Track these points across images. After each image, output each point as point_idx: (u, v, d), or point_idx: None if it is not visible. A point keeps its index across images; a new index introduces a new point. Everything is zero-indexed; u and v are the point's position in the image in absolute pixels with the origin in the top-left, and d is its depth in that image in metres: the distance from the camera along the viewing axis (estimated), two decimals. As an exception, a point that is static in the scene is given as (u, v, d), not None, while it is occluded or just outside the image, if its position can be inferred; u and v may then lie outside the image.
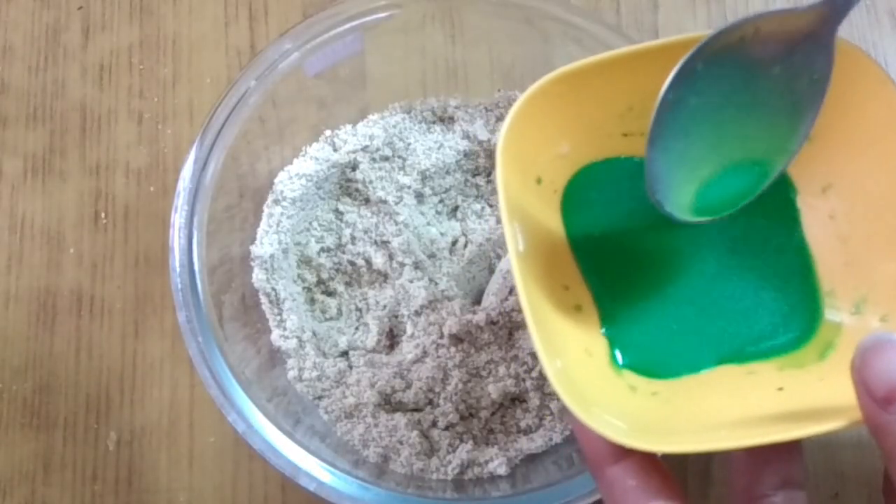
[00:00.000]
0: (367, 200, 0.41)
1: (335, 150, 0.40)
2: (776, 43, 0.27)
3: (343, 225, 0.41)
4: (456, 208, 0.42)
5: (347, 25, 0.38)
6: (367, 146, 0.40)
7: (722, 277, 0.32)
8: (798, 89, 0.28)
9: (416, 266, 0.40)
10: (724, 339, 0.31)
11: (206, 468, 0.40)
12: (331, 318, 0.40)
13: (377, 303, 0.40)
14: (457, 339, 0.38)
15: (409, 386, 0.37)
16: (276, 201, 0.39)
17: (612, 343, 0.31)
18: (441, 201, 0.42)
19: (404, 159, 0.41)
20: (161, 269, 0.43)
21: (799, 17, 0.26)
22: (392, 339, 0.40)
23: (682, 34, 0.28)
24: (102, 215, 0.44)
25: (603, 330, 0.31)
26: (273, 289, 0.39)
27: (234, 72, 0.45)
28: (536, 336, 0.26)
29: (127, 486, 0.40)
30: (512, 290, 0.38)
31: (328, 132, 0.41)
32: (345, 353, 0.40)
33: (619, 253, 0.32)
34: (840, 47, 0.27)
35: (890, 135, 0.28)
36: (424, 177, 0.40)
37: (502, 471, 0.36)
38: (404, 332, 0.39)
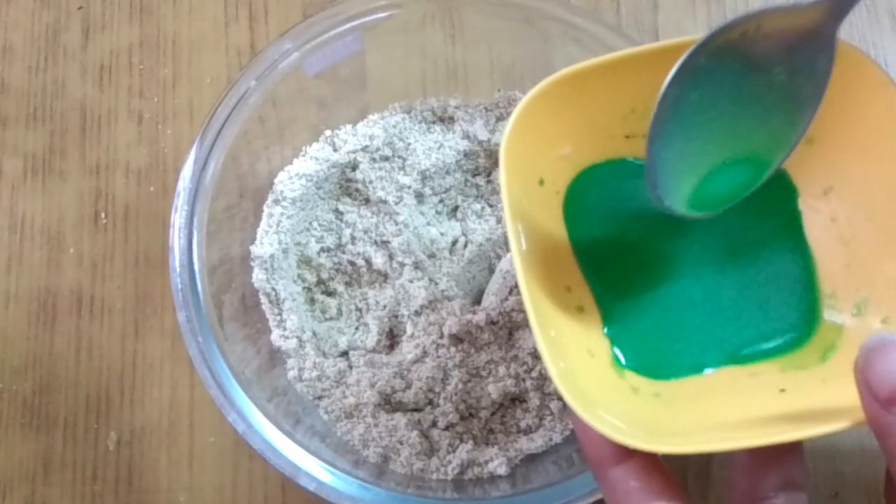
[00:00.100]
0: (367, 200, 0.41)
1: (335, 150, 0.40)
2: (778, 39, 0.27)
3: (343, 225, 0.41)
4: (456, 208, 0.42)
5: (347, 25, 0.38)
6: (367, 146, 0.40)
7: (723, 279, 0.32)
8: (798, 86, 0.28)
9: (416, 266, 0.40)
10: (726, 340, 0.31)
11: (206, 468, 0.40)
12: (331, 318, 0.40)
13: (377, 303, 0.40)
14: (457, 339, 0.38)
15: (409, 386, 0.37)
16: (276, 201, 0.39)
17: (614, 344, 0.31)
18: (441, 201, 0.42)
19: (404, 159, 0.41)
20: (161, 269, 0.43)
21: (802, 14, 0.26)
22: (392, 339, 0.40)
23: (684, 35, 0.28)
24: (102, 215, 0.44)
25: (605, 331, 0.31)
26: (273, 289, 0.39)
27: (234, 72, 0.45)
28: (540, 337, 0.26)
29: (127, 486, 0.40)
30: (512, 290, 0.38)
31: (328, 132, 0.41)
32: (345, 353, 0.40)
33: (621, 254, 0.32)
34: (841, 49, 0.27)
35: (891, 137, 0.28)
36: (424, 177, 0.40)
37: (502, 471, 0.36)
38: (404, 332, 0.39)
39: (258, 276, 0.39)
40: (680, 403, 0.29)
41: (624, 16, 0.46)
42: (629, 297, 0.31)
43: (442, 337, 0.38)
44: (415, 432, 0.36)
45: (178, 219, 0.35)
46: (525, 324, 0.37)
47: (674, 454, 0.25)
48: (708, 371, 0.30)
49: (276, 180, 0.40)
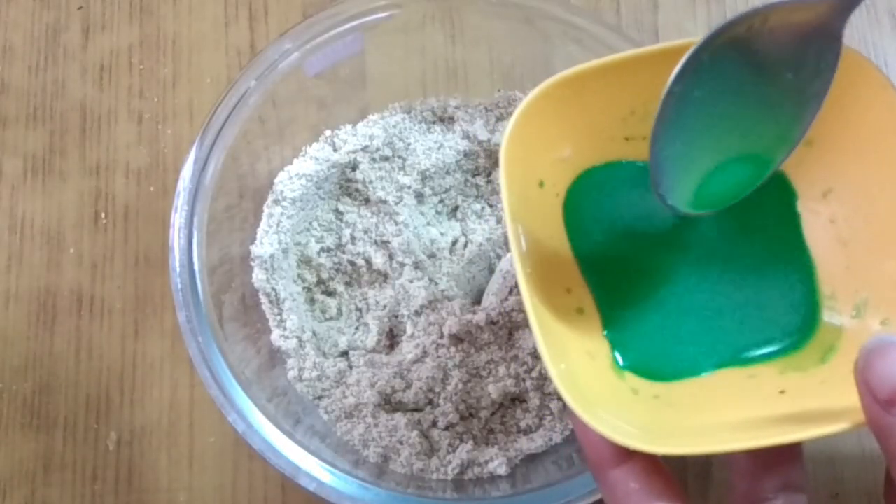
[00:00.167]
0: (367, 200, 0.41)
1: (335, 150, 0.40)
2: (784, 35, 0.27)
3: (343, 225, 0.41)
4: (456, 208, 0.42)
5: (347, 25, 0.38)
6: (367, 146, 0.40)
7: (723, 281, 0.32)
8: (802, 82, 0.28)
9: (416, 266, 0.40)
10: (726, 342, 0.31)
11: (206, 468, 0.40)
12: (331, 318, 0.40)
13: (377, 303, 0.40)
14: (457, 339, 0.38)
15: (409, 386, 0.37)
16: (276, 201, 0.39)
17: (614, 346, 0.31)
18: (441, 201, 0.42)
19: (404, 159, 0.41)
20: (161, 269, 0.43)
21: (809, 8, 0.26)
22: (392, 339, 0.40)
23: (684, 35, 0.28)
24: (102, 215, 0.44)
25: (605, 333, 0.31)
26: (273, 289, 0.39)
27: (234, 72, 0.45)
28: (540, 339, 0.26)
29: (127, 486, 0.40)
30: (512, 291, 0.38)
31: (328, 132, 0.41)
32: (345, 353, 0.40)
33: (621, 256, 0.32)
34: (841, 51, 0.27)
35: (890, 139, 0.28)
36: (424, 177, 0.40)
37: (502, 471, 0.36)
38: (404, 332, 0.39)
39: (258, 276, 0.39)
40: (680, 405, 0.29)
41: (624, 16, 0.46)
42: (629, 299, 0.31)
43: (442, 337, 0.38)
44: (415, 432, 0.36)
45: (178, 219, 0.35)
46: (525, 324, 0.37)
47: (673, 455, 0.25)
48: (707, 373, 0.30)
49: (276, 180, 0.40)
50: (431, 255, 0.40)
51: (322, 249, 0.41)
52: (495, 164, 0.42)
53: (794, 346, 0.30)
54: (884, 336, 0.24)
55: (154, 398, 0.41)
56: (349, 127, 0.41)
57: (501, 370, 0.37)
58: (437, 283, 0.40)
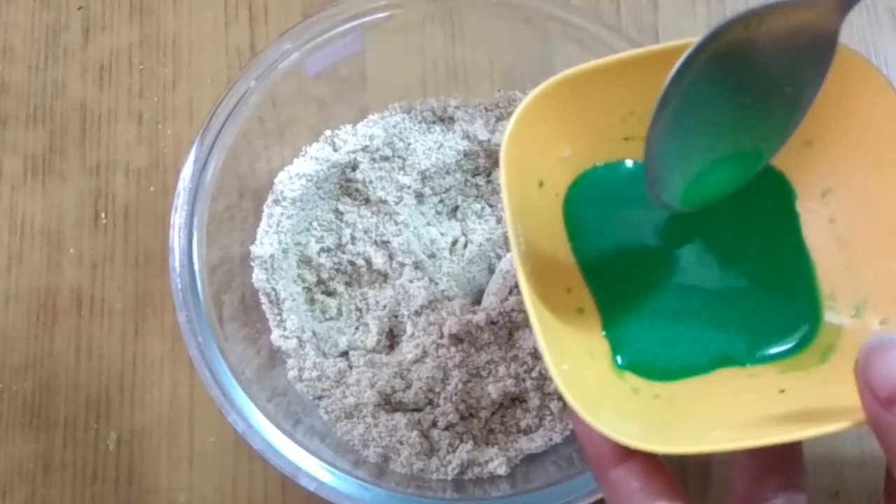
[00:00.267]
0: (367, 200, 0.41)
1: (335, 150, 0.40)
2: (781, 33, 0.27)
3: (343, 225, 0.41)
4: (456, 208, 0.42)
5: (347, 25, 0.38)
6: (367, 146, 0.40)
7: (723, 281, 0.32)
8: (797, 80, 0.28)
9: (416, 266, 0.40)
10: (726, 341, 0.31)
11: (206, 468, 0.40)
12: (331, 318, 0.40)
13: (377, 303, 0.40)
14: (457, 339, 0.38)
15: (409, 386, 0.37)
16: (276, 201, 0.39)
17: (614, 345, 0.31)
18: (441, 201, 0.42)
19: (404, 159, 0.41)
20: (161, 269, 0.43)
21: (807, 8, 0.26)
22: (392, 339, 0.40)
23: (684, 35, 0.28)
24: (102, 215, 0.44)
25: (605, 333, 0.31)
26: (273, 289, 0.39)
27: (234, 72, 0.45)
28: (542, 339, 0.26)
29: (127, 486, 0.40)
30: (512, 291, 0.38)
31: (328, 132, 0.41)
32: (345, 353, 0.40)
33: (621, 256, 0.32)
34: (839, 52, 0.27)
35: (889, 139, 0.28)
36: (424, 177, 0.40)
37: (502, 471, 0.36)
38: (404, 332, 0.39)
39: (258, 276, 0.39)
40: (680, 404, 0.29)
41: (624, 16, 0.46)
42: (629, 299, 0.31)
43: (442, 337, 0.38)
44: (415, 432, 0.36)
45: (178, 219, 0.35)
46: (525, 324, 0.37)
47: (674, 455, 0.25)
48: (708, 372, 0.30)
49: (276, 180, 0.40)
50: (431, 255, 0.40)
51: (322, 249, 0.41)
52: (495, 164, 0.42)
53: (793, 346, 0.30)
54: (883, 335, 0.24)
55: (154, 398, 0.41)
56: (349, 127, 0.41)
57: (501, 370, 0.37)
58: (437, 283, 0.40)
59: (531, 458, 0.37)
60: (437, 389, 0.37)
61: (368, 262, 0.40)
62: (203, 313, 0.35)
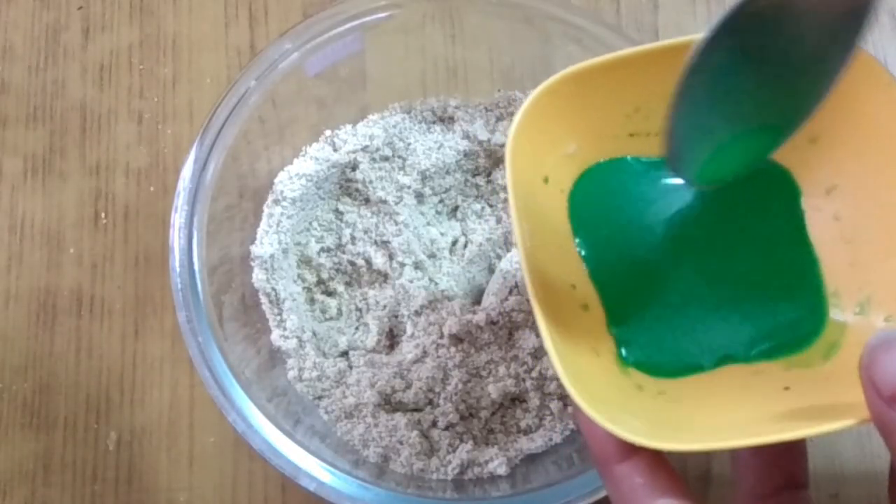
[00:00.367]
0: (367, 200, 0.41)
1: (335, 150, 0.40)
2: (813, 4, 0.26)
3: (343, 225, 0.41)
4: (456, 208, 0.42)
5: (347, 25, 0.38)
6: (367, 146, 0.40)
7: (728, 277, 0.32)
8: (827, 48, 0.27)
9: (416, 266, 0.40)
10: (730, 338, 0.31)
11: (206, 468, 0.40)
12: (331, 318, 0.40)
13: (377, 303, 0.40)
14: (457, 339, 0.38)
15: (409, 386, 0.37)
16: (276, 201, 0.39)
17: (619, 342, 0.31)
18: (441, 201, 0.42)
19: (404, 159, 0.41)
20: (161, 269, 0.43)
21: None
22: (392, 339, 0.40)
23: (686, 34, 0.28)
24: (102, 215, 0.44)
25: (609, 329, 0.31)
26: (273, 289, 0.39)
27: (234, 72, 0.45)
28: (547, 335, 0.26)
29: (127, 486, 0.40)
30: (512, 290, 0.38)
31: (328, 132, 0.41)
32: (345, 353, 0.40)
33: (626, 253, 0.32)
34: None
35: (894, 136, 0.28)
36: (424, 177, 0.40)
37: (502, 471, 0.36)
38: (404, 332, 0.39)
39: (258, 276, 0.39)
40: (684, 401, 0.29)
41: (624, 16, 0.46)
42: (634, 296, 0.31)
43: (442, 337, 0.38)
44: (415, 432, 0.36)
45: (178, 219, 0.35)
46: (525, 324, 0.37)
47: (678, 451, 0.25)
48: (712, 369, 0.30)
49: (276, 180, 0.40)
50: (431, 255, 0.40)
51: (322, 249, 0.41)
52: (495, 164, 0.42)
53: (798, 343, 0.30)
54: (888, 332, 0.24)
55: (154, 398, 0.41)
56: (349, 127, 0.41)
57: (501, 370, 0.37)
58: (437, 283, 0.40)
59: (531, 458, 0.37)
60: (437, 389, 0.37)
61: (368, 262, 0.40)
62: (203, 313, 0.35)
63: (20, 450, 0.41)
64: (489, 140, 0.41)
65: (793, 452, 0.28)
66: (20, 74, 0.46)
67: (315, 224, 0.41)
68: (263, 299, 0.39)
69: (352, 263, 0.40)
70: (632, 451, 0.26)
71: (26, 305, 0.43)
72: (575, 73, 0.29)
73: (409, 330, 0.39)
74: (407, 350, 0.38)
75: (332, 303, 0.40)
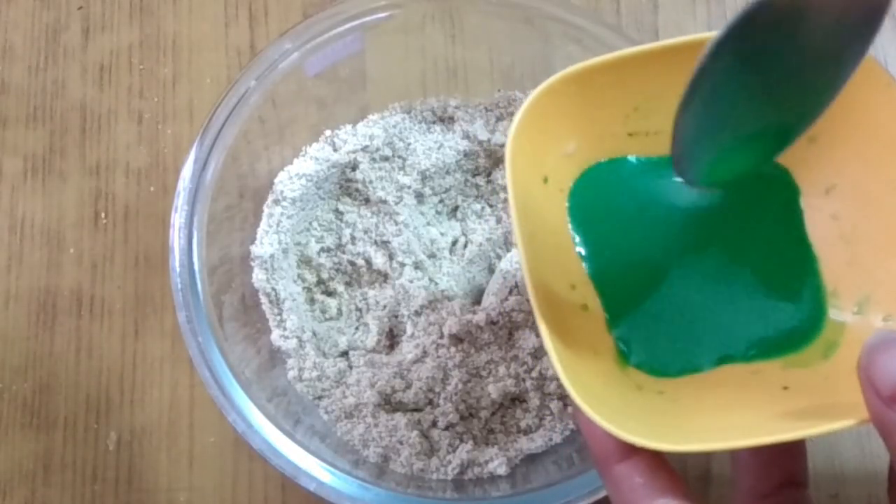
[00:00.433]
0: (367, 200, 0.41)
1: (335, 150, 0.40)
2: (825, 10, 0.26)
3: (343, 225, 0.41)
4: (456, 208, 0.42)
5: (347, 25, 0.38)
6: (367, 146, 0.40)
7: (726, 277, 0.31)
8: (835, 57, 0.27)
9: (416, 266, 0.40)
10: (730, 338, 0.31)
11: (206, 468, 0.40)
12: (331, 318, 0.40)
13: (377, 303, 0.40)
14: (457, 339, 0.38)
15: (409, 386, 0.37)
16: (276, 201, 0.39)
17: (618, 342, 0.31)
18: (441, 201, 0.42)
19: (404, 159, 0.41)
20: (161, 269, 0.43)
21: None
22: (392, 339, 0.40)
23: (686, 34, 0.28)
24: (102, 215, 0.44)
25: (609, 329, 0.31)
26: (273, 289, 0.39)
27: (234, 72, 0.45)
28: (547, 335, 0.26)
29: (127, 486, 0.40)
30: (512, 290, 0.38)
31: (328, 132, 0.41)
32: (345, 353, 0.40)
33: (625, 253, 0.32)
34: None
35: (893, 136, 0.28)
36: (424, 177, 0.40)
37: (502, 471, 0.36)
38: (404, 332, 0.39)
39: (258, 276, 0.39)
40: (684, 401, 0.29)
41: (624, 16, 0.46)
42: (633, 295, 0.31)
43: (442, 337, 0.38)
44: (415, 432, 0.36)
45: (178, 219, 0.35)
46: (525, 324, 0.37)
47: (677, 452, 0.25)
48: (711, 369, 0.30)
49: (276, 180, 0.40)
50: (431, 255, 0.40)
51: (322, 249, 0.41)
52: (495, 164, 0.42)
53: (797, 342, 0.30)
54: (886, 332, 0.24)
55: (154, 398, 0.41)
56: (349, 127, 0.41)
57: (501, 370, 0.37)
58: (437, 283, 0.40)
59: (531, 458, 0.37)
60: (437, 389, 0.37)
61: (368, 262, 0.40)
62: (203, 313, 0.35)
63: (20, 450, 0.41)
64: (489, 140, 0.41)
65: (792, 452, 0.28)
66: (20, 74, 0.46)
67: (315, 224, 0.41)
68: (263, 299, 0.39)
69: (352, 263, 0.40)
70: (631, 451, 0.26)
71: (26, 305, 0.43)
72: (575, 72, 0.29)
73: (409, 330, 0.39)
74: (407, 350, 0.38)
75: (332, 303, 0.40)
